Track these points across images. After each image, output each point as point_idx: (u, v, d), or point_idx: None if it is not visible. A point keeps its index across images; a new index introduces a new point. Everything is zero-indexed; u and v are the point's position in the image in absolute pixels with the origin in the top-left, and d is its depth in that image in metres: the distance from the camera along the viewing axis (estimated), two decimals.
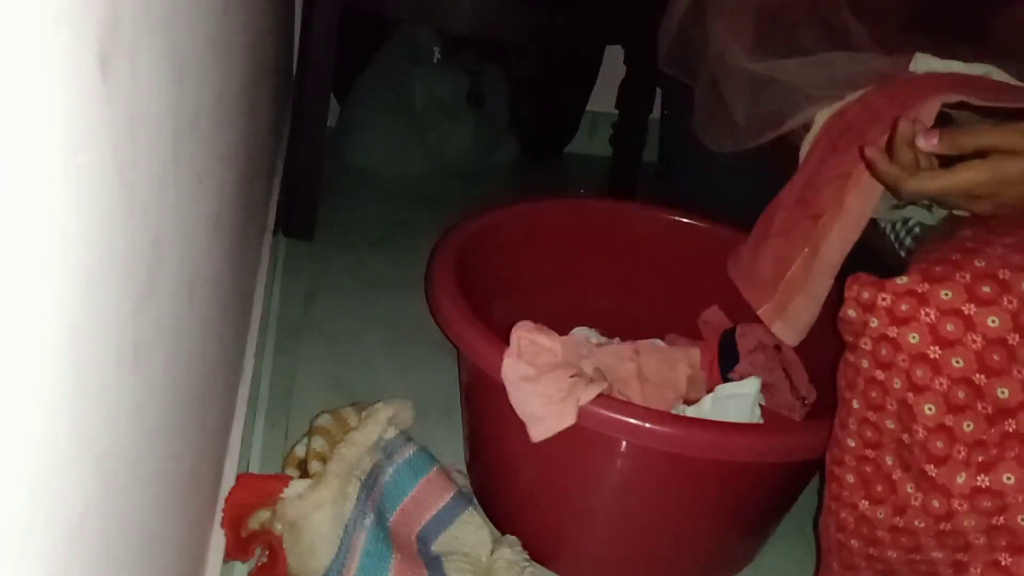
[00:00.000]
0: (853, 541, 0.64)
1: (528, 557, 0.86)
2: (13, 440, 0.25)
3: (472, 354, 0.82)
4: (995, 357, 0.55)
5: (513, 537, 0.88)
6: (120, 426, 0.38)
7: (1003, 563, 0.55)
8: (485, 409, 0.91)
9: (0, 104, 0.22)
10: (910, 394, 0.57)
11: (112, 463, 0.37)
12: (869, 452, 0.62)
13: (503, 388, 0.78)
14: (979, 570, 0.56)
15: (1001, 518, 0.55)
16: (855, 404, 0.61)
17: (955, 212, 0.71)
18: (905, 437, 0.58)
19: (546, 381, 0.78)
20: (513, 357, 0.79)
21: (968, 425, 0.56)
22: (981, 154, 0.63)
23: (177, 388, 0.52)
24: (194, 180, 0.53)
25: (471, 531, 0.87)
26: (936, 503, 0.57)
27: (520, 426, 0.78)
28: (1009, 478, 0.54)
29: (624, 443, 0.79)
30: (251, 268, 1.06)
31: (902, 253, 0.85)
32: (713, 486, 0.83)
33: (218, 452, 0.80)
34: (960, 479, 0.56)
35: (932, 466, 0.57)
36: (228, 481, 0.81)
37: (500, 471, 0.94)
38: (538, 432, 0.77)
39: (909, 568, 0.61)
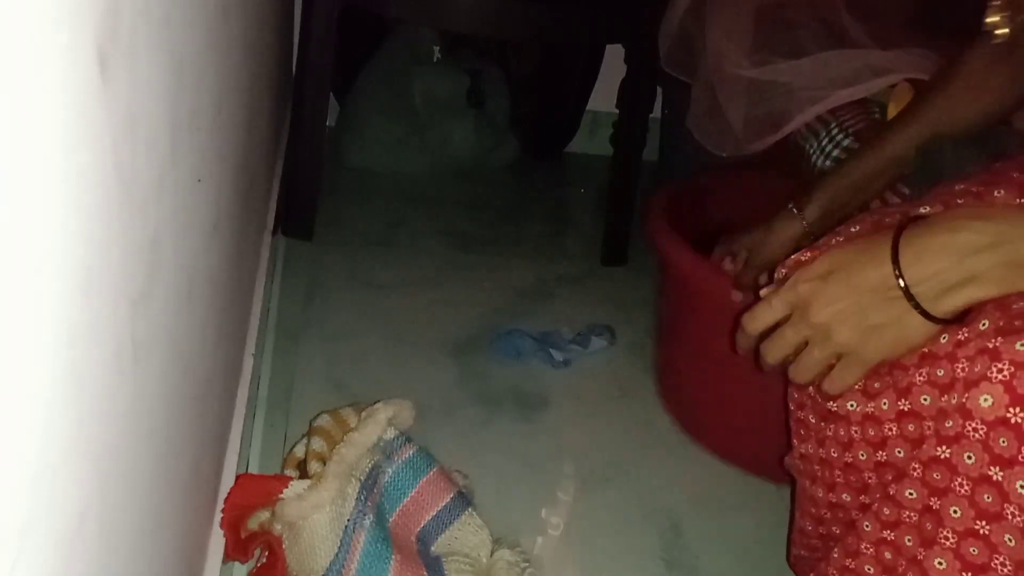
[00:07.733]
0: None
1: (527, 558, 0.87)
2: (12, 439, 0.25)
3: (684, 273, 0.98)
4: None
5: (513, 539, 0.88)
6: (119, 426, 0.38)
7: (892, 492, 0.58)
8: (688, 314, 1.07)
9: (0, 103, 0.22)
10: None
11: (111, 463, 0.37)
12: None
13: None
14: (876, 505, 0.59)
15: (883, 453, 0.58)
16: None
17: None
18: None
19: None
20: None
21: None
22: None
23: (176, 388, 0.52)
24: (193, 180, 0.53)
25: (471, 532, 0.87)
26: (842, 432, 0.61)
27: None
28: (885, 404, 0.57)
29: None
30: (250, 268, 1.06)
31: None
32: None
33: (217, 452, 0.80)
34: (851, 406, 0.59)
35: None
36: (227, 481, 0.81)
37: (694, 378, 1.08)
38: None
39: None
